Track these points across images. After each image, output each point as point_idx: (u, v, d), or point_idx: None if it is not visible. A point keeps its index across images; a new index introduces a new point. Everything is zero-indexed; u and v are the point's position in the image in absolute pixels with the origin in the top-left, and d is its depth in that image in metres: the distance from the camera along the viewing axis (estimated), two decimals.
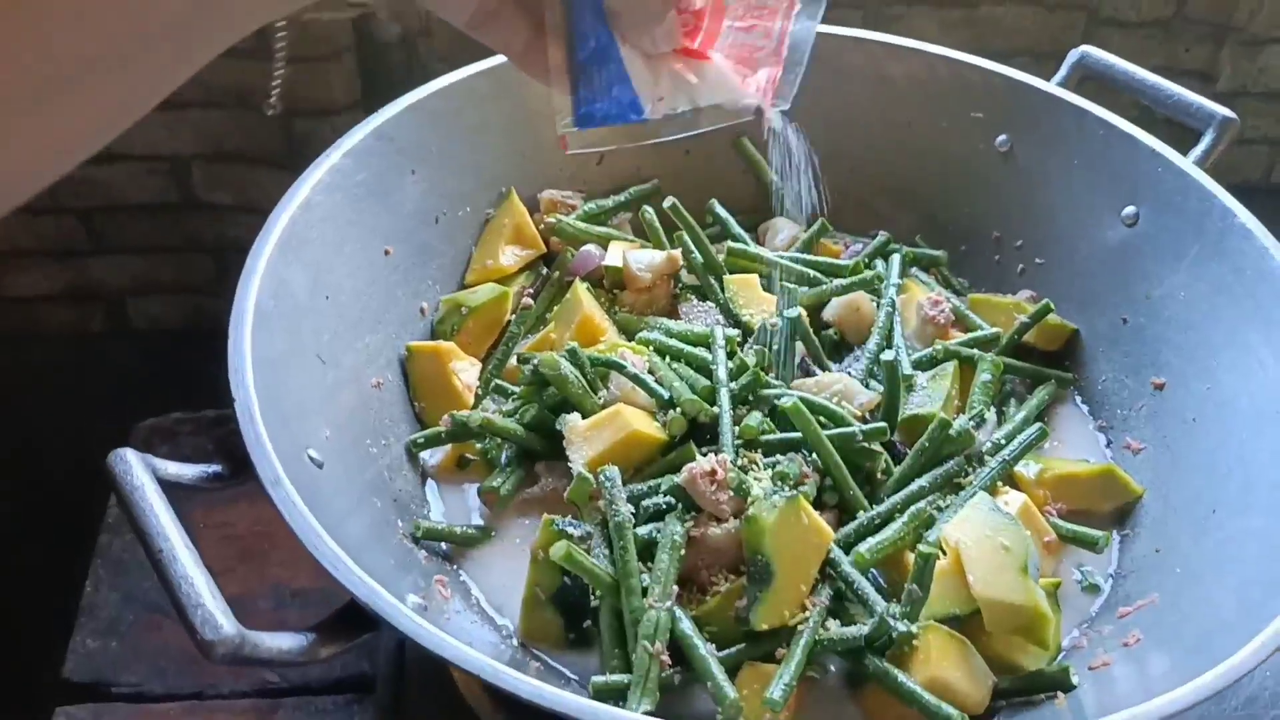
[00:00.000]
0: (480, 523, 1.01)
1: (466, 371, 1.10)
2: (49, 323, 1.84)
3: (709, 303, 1.16)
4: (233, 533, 1.42)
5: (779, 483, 0.90)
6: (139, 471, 0.74)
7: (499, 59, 1.21)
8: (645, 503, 0.93)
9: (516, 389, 1.07)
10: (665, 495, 0.93)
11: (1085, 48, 1.26)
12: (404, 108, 1.12)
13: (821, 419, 0.98)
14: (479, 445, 1.05)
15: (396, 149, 1.12)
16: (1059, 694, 0.87)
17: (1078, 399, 1.17)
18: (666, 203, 1.18)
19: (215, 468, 0.83)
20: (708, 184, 1.31)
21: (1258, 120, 1.79)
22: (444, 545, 0.99)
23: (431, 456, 1.06)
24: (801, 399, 0.97)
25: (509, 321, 1.16)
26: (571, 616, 0.90)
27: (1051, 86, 1.22)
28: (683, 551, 0.88)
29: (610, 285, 1.19)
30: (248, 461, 0.80)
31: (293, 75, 1.60)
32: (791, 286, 1.09)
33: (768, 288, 1.16)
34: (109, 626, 1.33)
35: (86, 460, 1.54)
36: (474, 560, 0.98)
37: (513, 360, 1.12)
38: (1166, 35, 1.72)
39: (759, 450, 0.97)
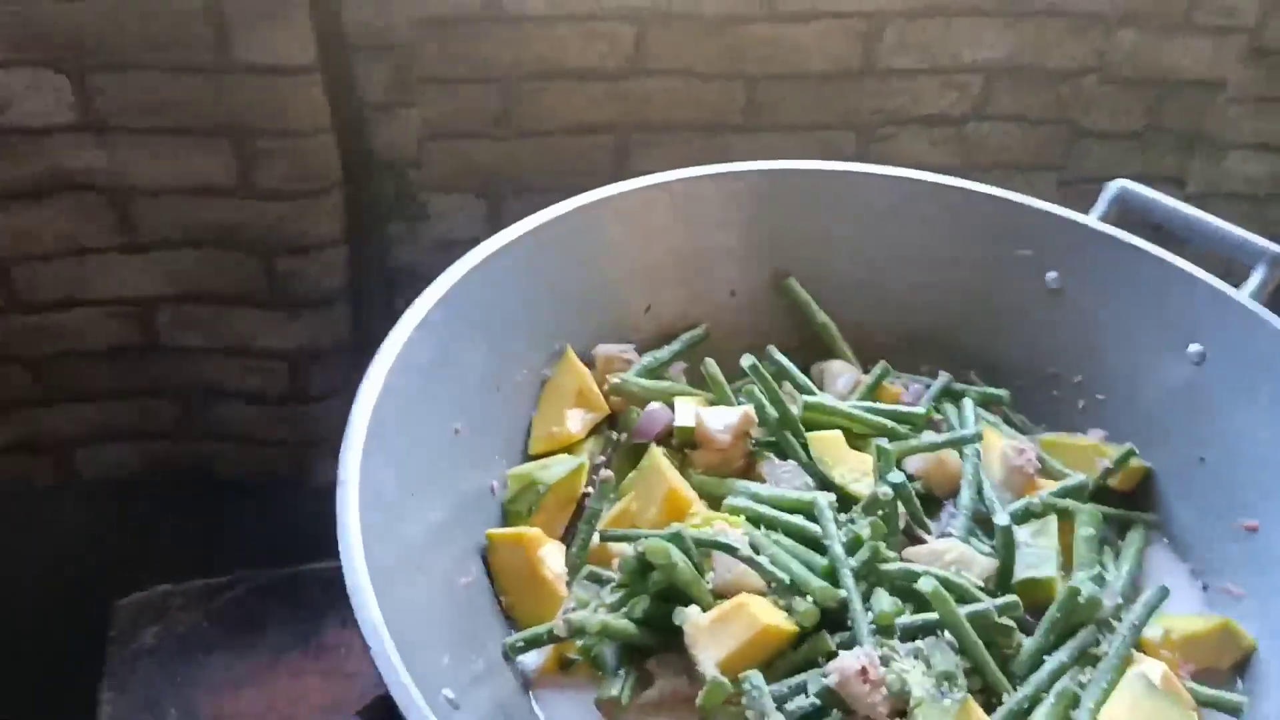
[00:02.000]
0: None
1: (553, 557, 1.01)
2: None
3: (790, 460, 1.11)
4: None
5: (943, 683, 0.85)
6: None
7: (540, 218, 1.13)
8: (789, 706, 0.87)
9: (609, 573, 0.99)
10: (812, 697, 0.87)
11: (1123, 182, 1.26)
12: (466, 270, 1.05)
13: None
14: (579, 643, 0.96)
15: (458, 314, 1.04)
16: None
17: (1164, 542, 1.15)
18: (745, 361, 1.13)
19: None
20: (755, 325, 1.27)
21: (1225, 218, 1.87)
22: None
23: (530, 660, 0.97)
24: (938, 578, 0.93)
25: (585, 494, 1.08)
26: None
27: (1097, 223, 1.22)
28: None
29: (680, 444, 1.12)
30: None
31: (279, 212, 1.50)
32: (887, 448, 1.05)
33: (848, 440, 1.12)
34: None
35: (54, 626, 1.37)
36: None
37: (595, 538, 1.04)
38: (1141, 145, 1.77)
39: (896, 635, 0.92)
